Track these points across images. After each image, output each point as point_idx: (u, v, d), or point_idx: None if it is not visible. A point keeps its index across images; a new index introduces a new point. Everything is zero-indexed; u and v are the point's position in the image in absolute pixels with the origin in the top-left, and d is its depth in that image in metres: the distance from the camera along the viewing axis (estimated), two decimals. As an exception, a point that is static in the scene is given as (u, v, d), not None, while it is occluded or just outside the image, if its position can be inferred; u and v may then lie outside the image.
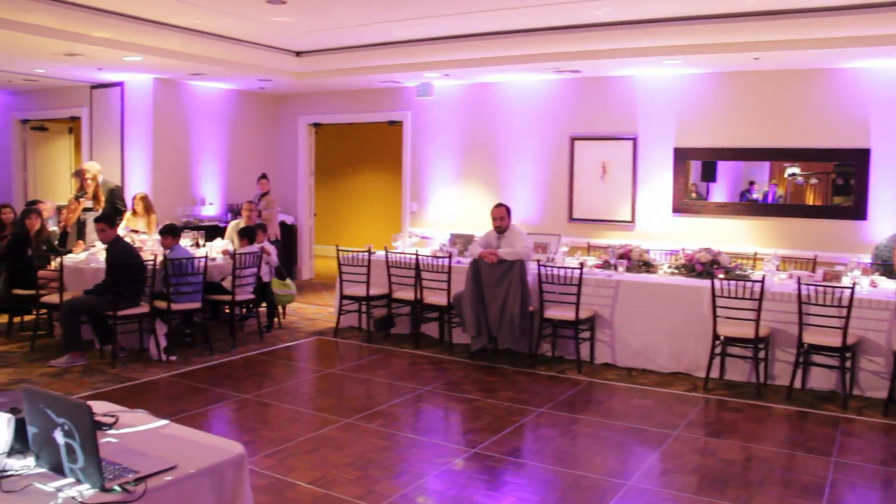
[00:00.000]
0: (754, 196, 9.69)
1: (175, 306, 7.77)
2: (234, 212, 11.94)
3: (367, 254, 8.83)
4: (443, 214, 11.72)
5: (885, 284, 7.20)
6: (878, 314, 6.67)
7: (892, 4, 7.29)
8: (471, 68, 10.10)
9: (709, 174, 9.97)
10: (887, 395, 6.45)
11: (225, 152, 12.48)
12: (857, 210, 8.98)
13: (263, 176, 11.37)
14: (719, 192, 9.95)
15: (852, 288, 6.53)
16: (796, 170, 9.41)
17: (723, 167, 9.90)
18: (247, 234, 8.91)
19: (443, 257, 8.46)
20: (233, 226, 10.01)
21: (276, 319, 9.43)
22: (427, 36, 9.62)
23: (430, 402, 6.68)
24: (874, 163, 8.88)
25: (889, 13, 7.37)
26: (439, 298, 8.37)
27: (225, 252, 8.77)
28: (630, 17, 8.31)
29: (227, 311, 8.73)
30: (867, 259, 8.15)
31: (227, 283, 8.44)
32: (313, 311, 10.56)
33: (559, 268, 7.63)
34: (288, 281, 9.49)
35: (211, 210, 12.21)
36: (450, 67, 10.19)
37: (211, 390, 6.79)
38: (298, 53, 10.78)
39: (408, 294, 8.64)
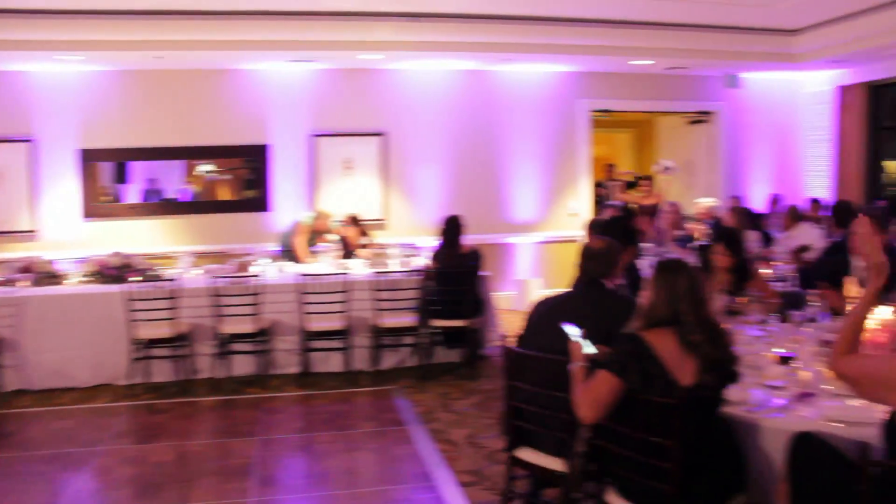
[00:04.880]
0: (161, 194, 9.69)
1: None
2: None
3: None
4: None
5: (291, 269, 7.79)
6: (286, 297, 7.19)
7: (279, 14, 8.00)
8: None
9: (120, 176, 9.67)
10: (300, 368, 7.03)
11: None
12: (262, 202, 9.61)
13: None
14: (135, 194, 9.72)
15: (258, 276, 6.95)
16: (210, 167, 9.67)
17: (137, 168, 9.68)
18: None
19: None
20: None
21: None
22: None
23: None
24: (274, 157, 9.59)
25: (276, 21, 8.07)
26: None
27: None
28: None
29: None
30: (275, 247, 8.74)
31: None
32: None
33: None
34: None
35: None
36: None
37: None
38: None
39: None
